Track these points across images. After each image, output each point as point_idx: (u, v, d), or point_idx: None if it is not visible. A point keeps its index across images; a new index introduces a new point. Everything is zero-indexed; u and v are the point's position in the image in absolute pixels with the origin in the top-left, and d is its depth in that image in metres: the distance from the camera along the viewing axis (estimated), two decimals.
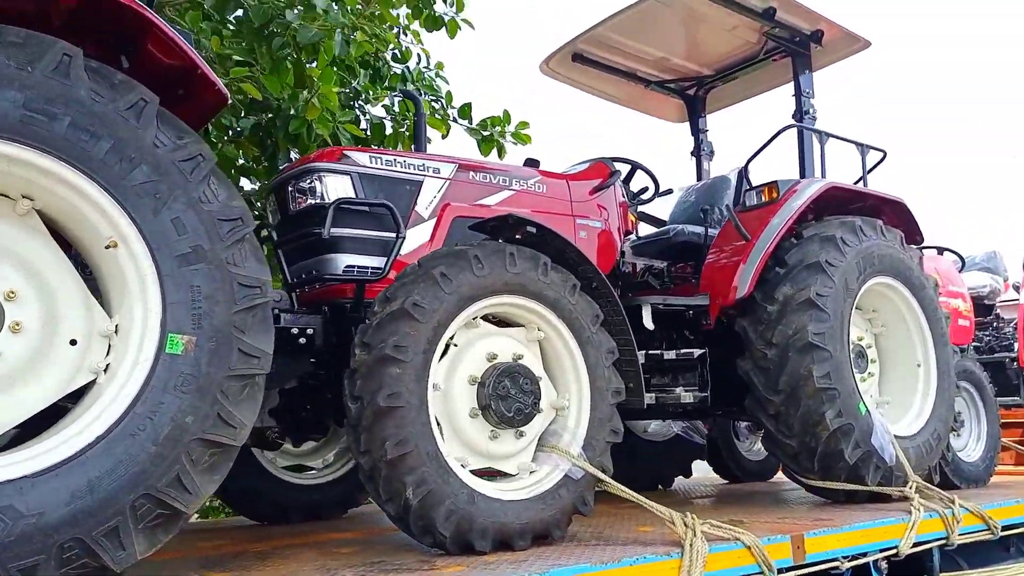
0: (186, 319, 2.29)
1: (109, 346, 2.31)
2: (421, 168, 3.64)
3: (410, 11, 6.49)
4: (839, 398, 3.99)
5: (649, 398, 4.16)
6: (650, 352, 4.17)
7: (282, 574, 2.64)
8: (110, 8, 2.32)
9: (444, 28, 7.00)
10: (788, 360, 3.98)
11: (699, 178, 5.92)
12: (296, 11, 4.81)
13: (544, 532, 3.02)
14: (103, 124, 2.20)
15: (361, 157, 3.51)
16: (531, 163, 4.37)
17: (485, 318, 3.19)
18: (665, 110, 6.12)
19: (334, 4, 5.03)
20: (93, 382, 2.26)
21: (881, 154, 4.98)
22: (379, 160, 3.54)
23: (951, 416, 4.70)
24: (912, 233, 4.90)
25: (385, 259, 3.31)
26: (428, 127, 6.65)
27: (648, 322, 4.10)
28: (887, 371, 4.73)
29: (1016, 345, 7.00)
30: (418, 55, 7.01)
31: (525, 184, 3.99)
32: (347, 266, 3.39)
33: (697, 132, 5.98)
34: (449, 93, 6.95)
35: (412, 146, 4.32)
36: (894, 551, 3.57)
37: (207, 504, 5.93)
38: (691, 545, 2.79)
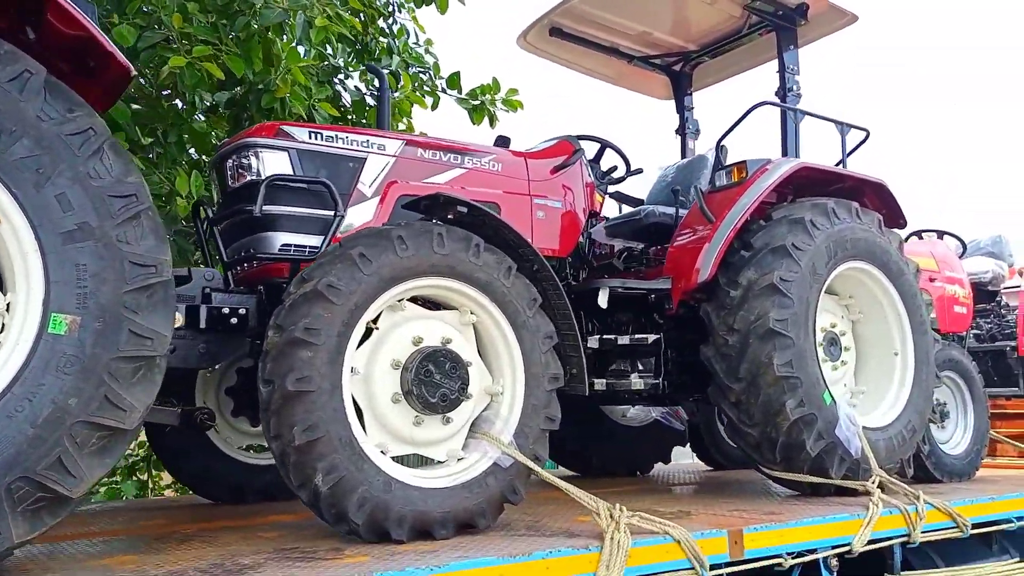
0: (70, 298, 2.23)
1: (2, 324, 2.26)
2: (364, 144, 3.54)
3: None
4: (801, 387, 3.83)
5: (600, 384, 4.05)
6: (604, 337, 4.04)
7: (187, 558, 2.59)
8: None
9: (434, 3, 6.89)
10: (749, 347, 3.83)
11: (683, 157, 5.73)
12: None
13: (468, 521, 2.93)
14: None
15: (300, 132, 3.41)
16: (502, 141, 4.24)
17: (417, 301, 3.09)
18: (650, 86, 5.91)
19: None
20: None
21: (864, 133, 4.76)
22: (319, 136, 3.44)
23: (928, 407, 4.50)
24: (894, 216, 4.69)
25: (323, 238, 3.24)
26: (413, 103, 6.62)
27: (603, 302, 3.96)
28: (864, 360, 4.54)
29: (1018, 333, 6.76)
30: (413, 31, 6.89)
31: (479, 162, 3.87)
32: (283, 245, 3.31)
33: (682, 109, 5.78)
34: (436, 64, 6.84)
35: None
36: (847, 548, 3.44)
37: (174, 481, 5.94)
38: (611, 538, 2.68)
